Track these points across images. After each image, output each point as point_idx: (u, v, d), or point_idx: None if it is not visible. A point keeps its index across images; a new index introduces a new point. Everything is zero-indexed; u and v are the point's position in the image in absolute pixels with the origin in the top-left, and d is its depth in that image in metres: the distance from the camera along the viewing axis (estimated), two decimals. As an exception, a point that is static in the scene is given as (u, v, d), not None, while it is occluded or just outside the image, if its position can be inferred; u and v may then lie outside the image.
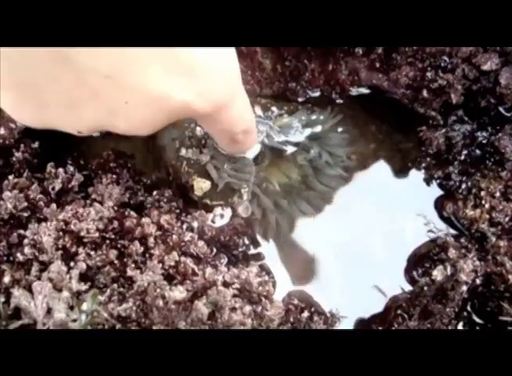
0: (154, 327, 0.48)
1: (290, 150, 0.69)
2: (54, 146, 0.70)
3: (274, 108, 0.70)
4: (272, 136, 0.67)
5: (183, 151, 0.66)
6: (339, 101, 0.77)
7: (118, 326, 0.50)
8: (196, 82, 0.47)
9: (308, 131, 0.70)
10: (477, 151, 0.70)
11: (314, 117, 0.71)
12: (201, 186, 0.65)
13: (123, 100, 0.47)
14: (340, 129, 0.73)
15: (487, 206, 0.63)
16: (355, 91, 0.77)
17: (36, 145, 0.68)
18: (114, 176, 0.65)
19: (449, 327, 0.58)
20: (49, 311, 0.49)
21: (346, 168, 0.72)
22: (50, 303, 0.49)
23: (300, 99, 0.77)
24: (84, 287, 0.52)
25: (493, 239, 0.60)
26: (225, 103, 0.51)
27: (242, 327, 0.50)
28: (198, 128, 0.66)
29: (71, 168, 0.64)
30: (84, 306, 0.48)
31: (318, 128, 0.70)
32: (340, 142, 0.72)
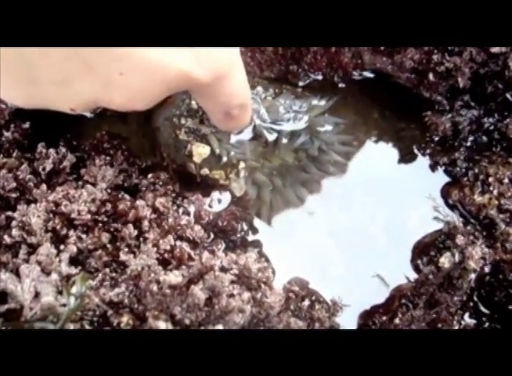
0: (148, 313, 0.46)
1: (275, 135, 0.65)
2: (46, 127, 0.67)
3: (260, 88, 0.67)
4: (262, 117, 0.64)
5: (182, 121, 0.63)
6: (341, 85, 0.74)
7: (110, 312, 0.48)
8: (195, 50, 0.45)
9: (295, 117, 0.67)
10: (484, 137, 0.68)
11: (299, 102, 0.68)
12: (200, 151, 0.62)
13: (117, 71, 0.44)
14: (331, 115, 0.70)
15: (495, 192, 0.61)
16: (358, 75, 0.74)
17: (27, 125, 0.66)
18: (108, 158, 0.63)
19: (455, 317, 0.56)
20: (37, 295, 0.46)
21: (343, 154, 0.69)
22: (38, 287, 0.47)
23: (301, 83, 0.74)
24: (74, 270, 0.50)
25: (502, 226, 0.58)
26: (225, 72, 0.49)
27: (240, 315, 0.47)
28: (193, 102, 0.63)
29: (63, 149, 0.62)
30: (74, 289, 0.45)
31: (305, 114, 0.67)
32: (332, 128, 0.69)
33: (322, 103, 0.69)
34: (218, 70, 0.48)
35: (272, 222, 0.65)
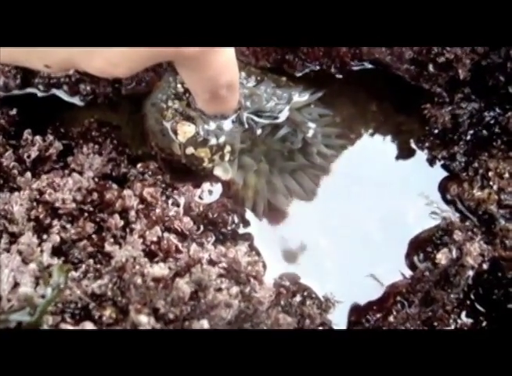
0: (131, 306, 0.44)
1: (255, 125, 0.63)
2: (33, 114, 0.66)
3: (243, 73, 0.64)
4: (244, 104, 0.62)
5: (169, 103, 0.61)
6: (339, 76, 0.72)
7: (92, 304, 0.46)
8: None
9: (274, 108, 0.64)
10: (484, 131, 0.66)
11: (280, 92, 0.65)
12: (185, 129, 0.60)
13: None
14: (317, 107, 0.68)
15: (495, 187, 0.59)
16: (356, 65, 0.72)
17: (14, 112, 0.64)
18: (96, 146, 0.61)
19: (452, 316, 0.54)
20: (16, 286, 0.45)
21: (333, 146, 0.67)
22: (18, 278, 0.45)
23: (298, 74, 0.72)
24: (56, 261, 0.48)
25: (502, 221, 0.56)
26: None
27: (227, 309, 0.45)
28: (179, 85, 0.61)
29: (50, 137, 0.60)
30: (51, 280, 0.43)
31: (286, 105, 0.65)
32: (318, 119, 0.67)
33: (305, 95, 0.67)
34: None
35: (261, 211, 0.63)
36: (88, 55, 0.44)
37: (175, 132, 0.59)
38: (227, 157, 0.61)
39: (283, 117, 0.63)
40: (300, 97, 0.65)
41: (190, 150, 0.60)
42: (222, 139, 0.60)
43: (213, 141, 0.60)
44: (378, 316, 0.57)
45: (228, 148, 0.61)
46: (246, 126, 0.61)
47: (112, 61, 0.44)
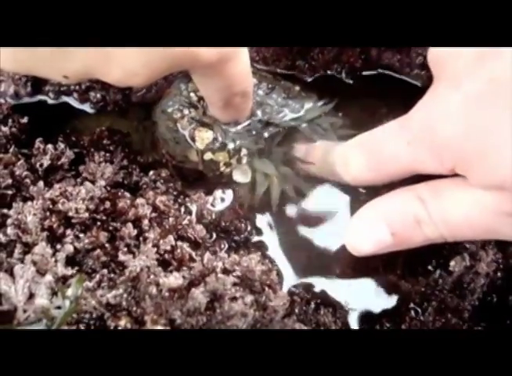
0: (146, 317, 0.44)
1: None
2: (45, 122, 0.66)
3: (254, 79, 0.64)
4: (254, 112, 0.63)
5: (185, 111, 0.61)
6: (348, 81, 0.72)
7: (107, 314, 0.46)
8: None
9: (287, 119, 0.64)
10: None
11: (292, 102, 0.65)
12: (203, 136, 0.60)
13: None
14: (327, 115, 0.67)
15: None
16: (366, 70, 0.72)
17: (25, 120, 0.64)
18: (108, 154, 0.61)
19: (466, 324, 0.54)
20: (31, 297, 0.45)
21: None
22: (32, 288, 0.45)
23: (308, 79, 0.72)
24: (70, 271, 0.48)
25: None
26: (230, 54, 0.47)
27: (243, 319, 0.45)
28: (192, 94, 0.61)
29: (62, 145, 0.60)
30: (69, 292, 0.43)
31: (298, 113, 0.65)
32: (329, 128, 0.66)
33: (316, 105, 0.67)
34: (224, 51, 0.47)
35: (276, 200, 0.62)
36: (106, 66, 0.44)
37: (193, 139, 0.60)
38: (244, 160, 0.61)
39: (293, 127, 0.64)
40: (311, 108, 0.65)
41: (208, 156, 0.60)
42: (239, 143, 0.61)
43: (230, 145, 0.60)
44: (391, 323, 0.57)
45: (244, 151, 0.61)
46: (255, 134, 0.61)
47: (129, 73, 0.45)
